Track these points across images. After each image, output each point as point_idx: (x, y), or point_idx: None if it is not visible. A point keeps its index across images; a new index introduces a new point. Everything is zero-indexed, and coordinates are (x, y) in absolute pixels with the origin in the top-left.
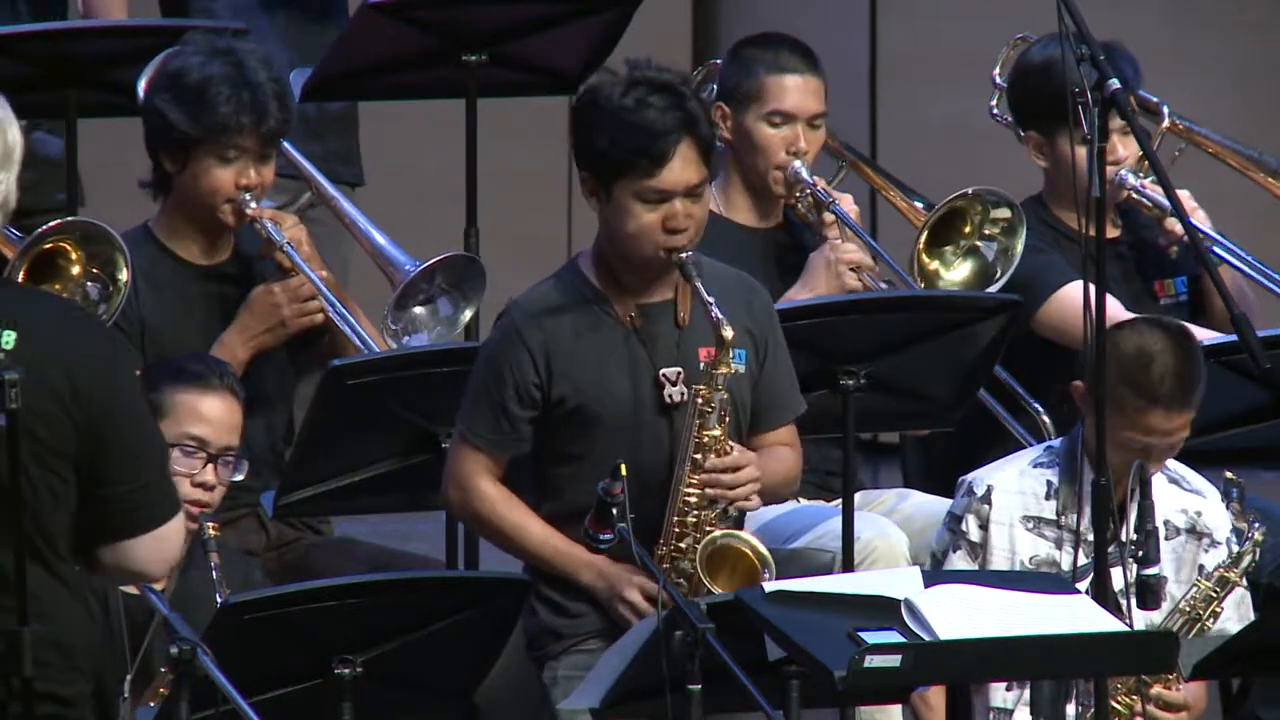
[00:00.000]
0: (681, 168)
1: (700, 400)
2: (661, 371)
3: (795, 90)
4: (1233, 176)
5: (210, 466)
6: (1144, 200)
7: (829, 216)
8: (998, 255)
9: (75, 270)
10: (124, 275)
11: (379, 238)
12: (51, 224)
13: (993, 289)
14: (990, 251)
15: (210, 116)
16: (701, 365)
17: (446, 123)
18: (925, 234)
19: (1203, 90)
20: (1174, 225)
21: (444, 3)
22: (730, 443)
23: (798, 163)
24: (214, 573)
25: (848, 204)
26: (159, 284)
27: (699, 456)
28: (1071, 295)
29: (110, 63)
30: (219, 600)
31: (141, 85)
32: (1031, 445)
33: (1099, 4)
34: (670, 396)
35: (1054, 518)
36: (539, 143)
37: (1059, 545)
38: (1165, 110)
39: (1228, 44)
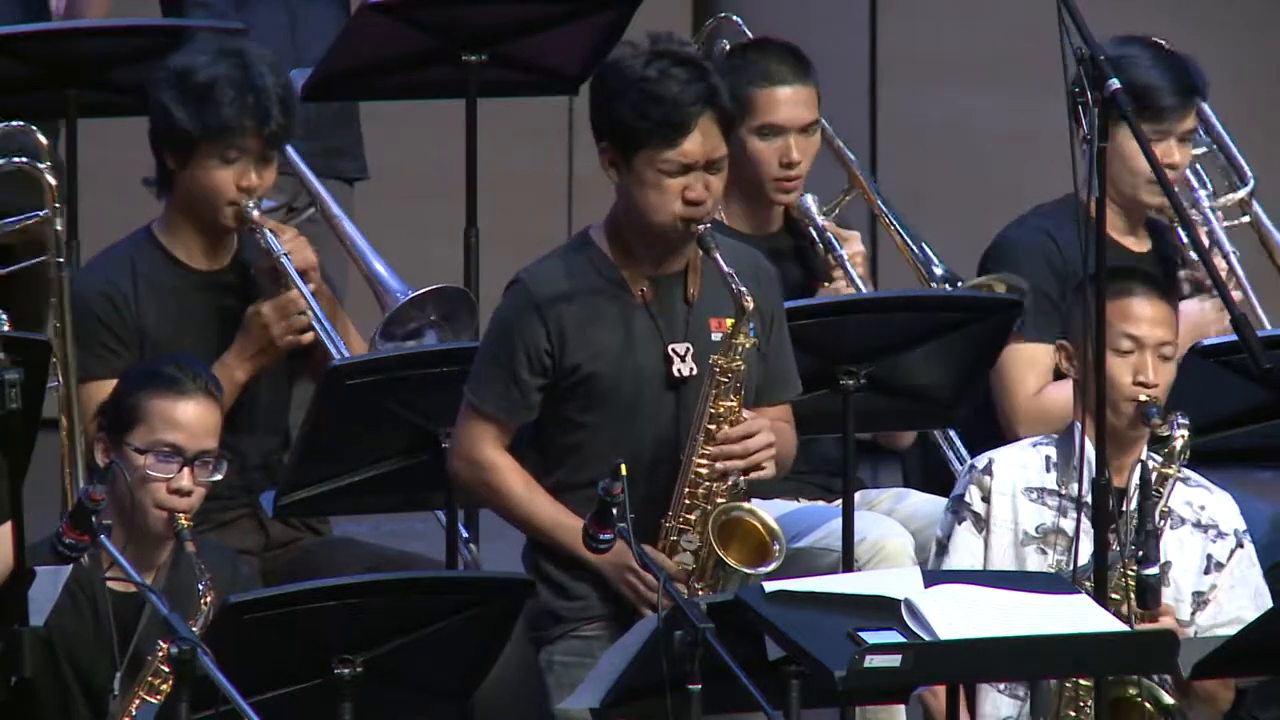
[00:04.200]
0: (703, 140)
1: (717, 370)
2: (670, 346)
3: (786, 103)
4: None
5: (186, 471)
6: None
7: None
8: None
9: None
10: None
11: (376, 263)
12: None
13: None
14: None
15: (214, 116)
16: (719, 335)
17: (446, 122)
18: None
19: None
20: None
21: (444, 3)
22: (744, 412)
23: (809, 198)
24: (194, 560)
25: (854, 245)
26: (160, 290)
27: (713, 427)
28: (1024, 354)
29: (110, 63)
30: (200, 587)
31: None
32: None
33: (1102, 4)
34: (679, 371)
35: (1055, 487)
36: (539, 143)
37: (1063, 513)
38: (1251, 183)
39: (1228, 44)
